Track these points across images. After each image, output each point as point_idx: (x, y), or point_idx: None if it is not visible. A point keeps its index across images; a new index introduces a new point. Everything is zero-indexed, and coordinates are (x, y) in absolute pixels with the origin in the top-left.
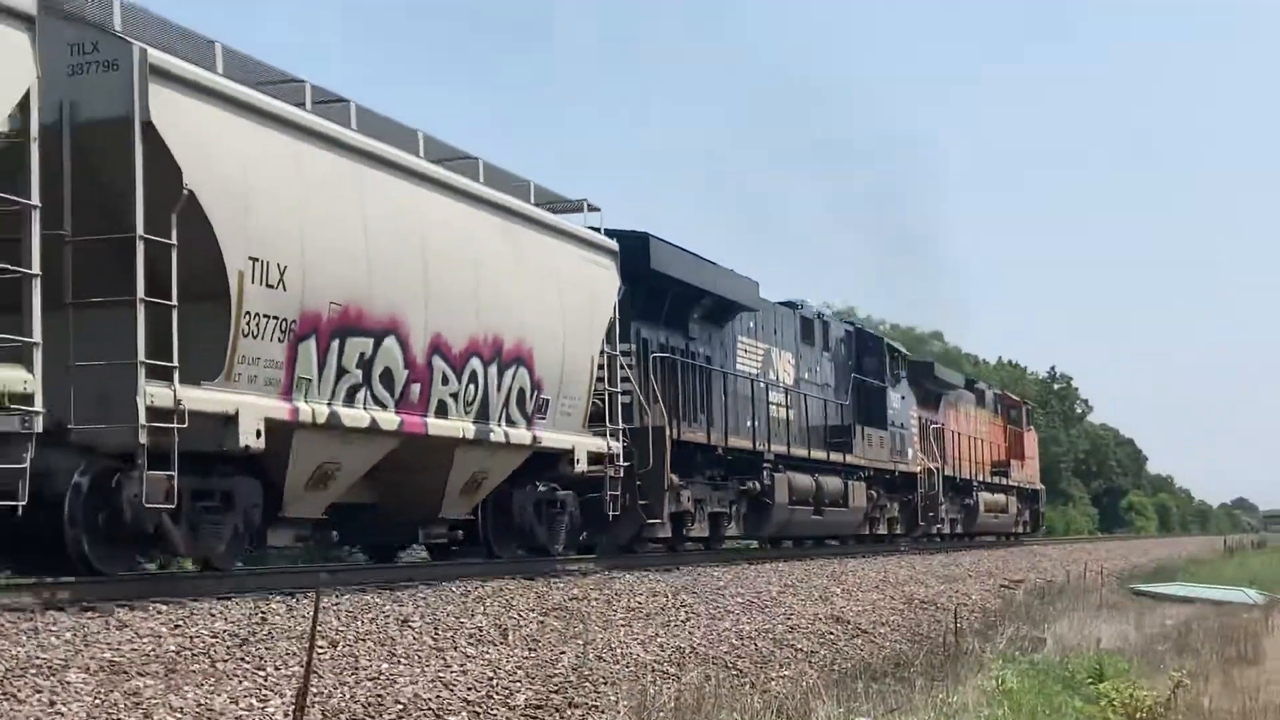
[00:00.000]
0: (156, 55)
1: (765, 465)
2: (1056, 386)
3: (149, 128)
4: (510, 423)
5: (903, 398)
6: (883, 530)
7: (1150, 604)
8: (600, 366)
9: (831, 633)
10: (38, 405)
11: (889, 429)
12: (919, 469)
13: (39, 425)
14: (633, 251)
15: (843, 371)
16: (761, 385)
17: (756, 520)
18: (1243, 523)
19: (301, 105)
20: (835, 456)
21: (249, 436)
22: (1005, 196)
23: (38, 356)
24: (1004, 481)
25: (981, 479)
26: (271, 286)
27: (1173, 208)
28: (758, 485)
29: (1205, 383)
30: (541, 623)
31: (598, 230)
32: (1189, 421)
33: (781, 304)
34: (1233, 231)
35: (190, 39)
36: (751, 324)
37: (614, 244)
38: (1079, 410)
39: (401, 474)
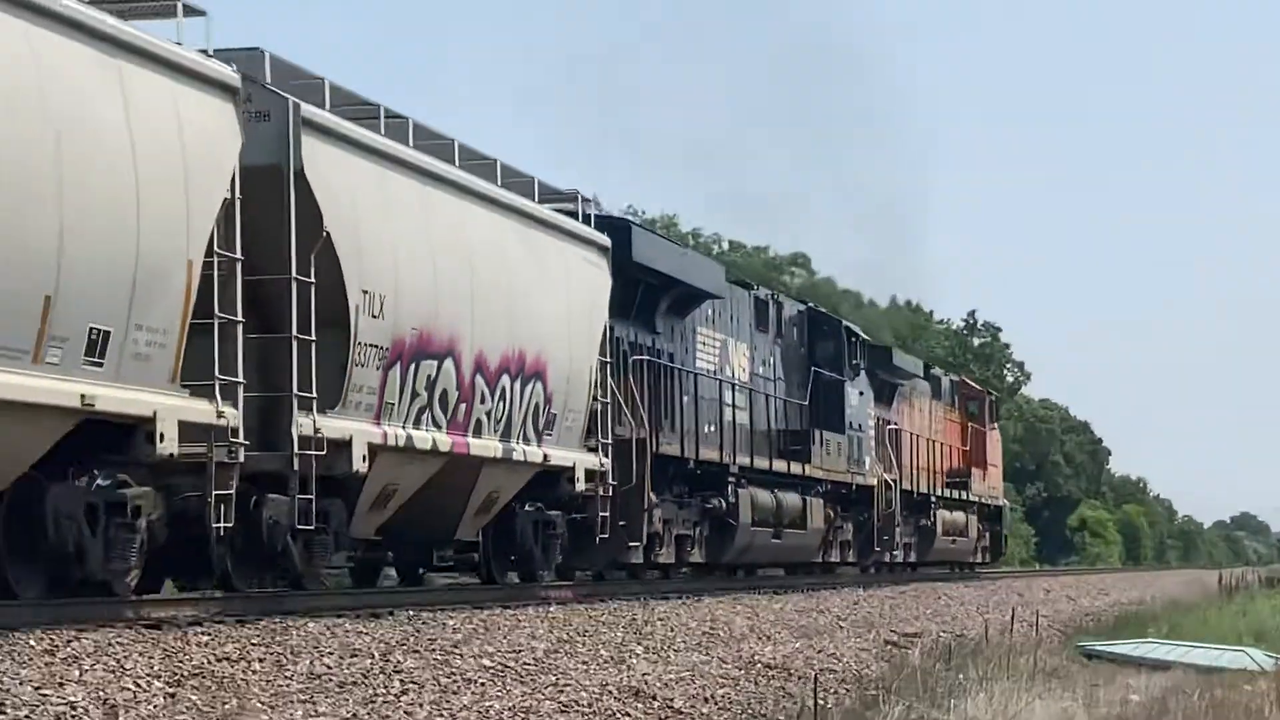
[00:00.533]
0: (307, 109)
1: (730, 480)
2: (977, 342)
3: (300, 176)
4: (526, 440)
5: (861, 393)
6: (836, 557)
7: (1108, 670)
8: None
9: (626, 716)
10: (240, 438)
11: (846, 433)
12: (874, 481)
13: (242, 456)
14: (613, 243)
15: (796, 363)
16: (721, 385)
17: (719, 543)
18: (1247, 550)
19: (376, 128)
20: (795, 468)
21: (359, 461)
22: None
23: (240, 394)
24: (963, 496)
25: (939, 493)
26: (375, 317)
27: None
28: (723, 504)
29: (1193, 362)
30: (171, 697)
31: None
32: (1170, 408)
33: (733, 282)
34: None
35: (300, 76)
36: (710, 312)
37: (607, 240)
38: (1010, 378)
39: (431, 494)
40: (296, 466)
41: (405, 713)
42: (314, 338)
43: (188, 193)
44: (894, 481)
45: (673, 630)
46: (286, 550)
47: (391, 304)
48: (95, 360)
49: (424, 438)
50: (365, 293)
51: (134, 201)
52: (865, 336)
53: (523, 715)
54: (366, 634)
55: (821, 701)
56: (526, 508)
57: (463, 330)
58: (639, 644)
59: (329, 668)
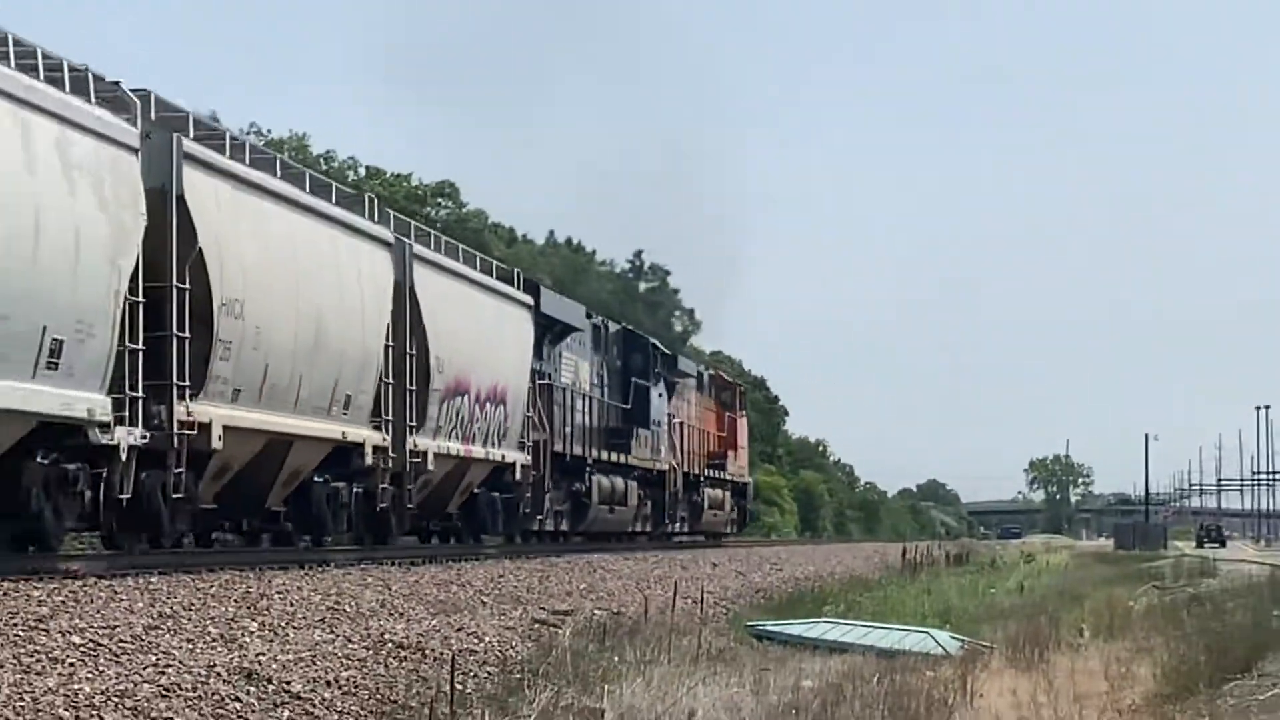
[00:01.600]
0: (419, 249)
1: (587, 469)
2: (644, 286)
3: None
4: (493, 445)
5: (660, 395)
6: (641, 528)
7: (780, 653)
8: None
9: (237, 701)
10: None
11: (651, 429)
12: (667, 467)
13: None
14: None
15: (617, 373)
16: (577, 395)
17: (578, 516)
18: (934, 521)
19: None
20: (619, 459)
21: (431, 463)
22: None
23: (391, 427)
24: (721, 475)
25: (704, 474)
26: (441, 373)
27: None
28: (583, 487)
29: (878, 322)
30: None
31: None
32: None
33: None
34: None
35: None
36: (569, 339)
37: (529, 299)
38: (679, 327)
39: (440, 483)
40: (407, 468)
41: None
42: (413, 387)
43: (378, 311)
44: (677, 466)
45: (292, 605)
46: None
47: (449, 365)
48: (345, 410)
49: (454, 447)
50: (439, 358)
51: (360, 321)
52: (664, 349)
53: (117, 699)
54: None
55: (460, 686)
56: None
57: (474, 373)
58: (253, 620)
59: None
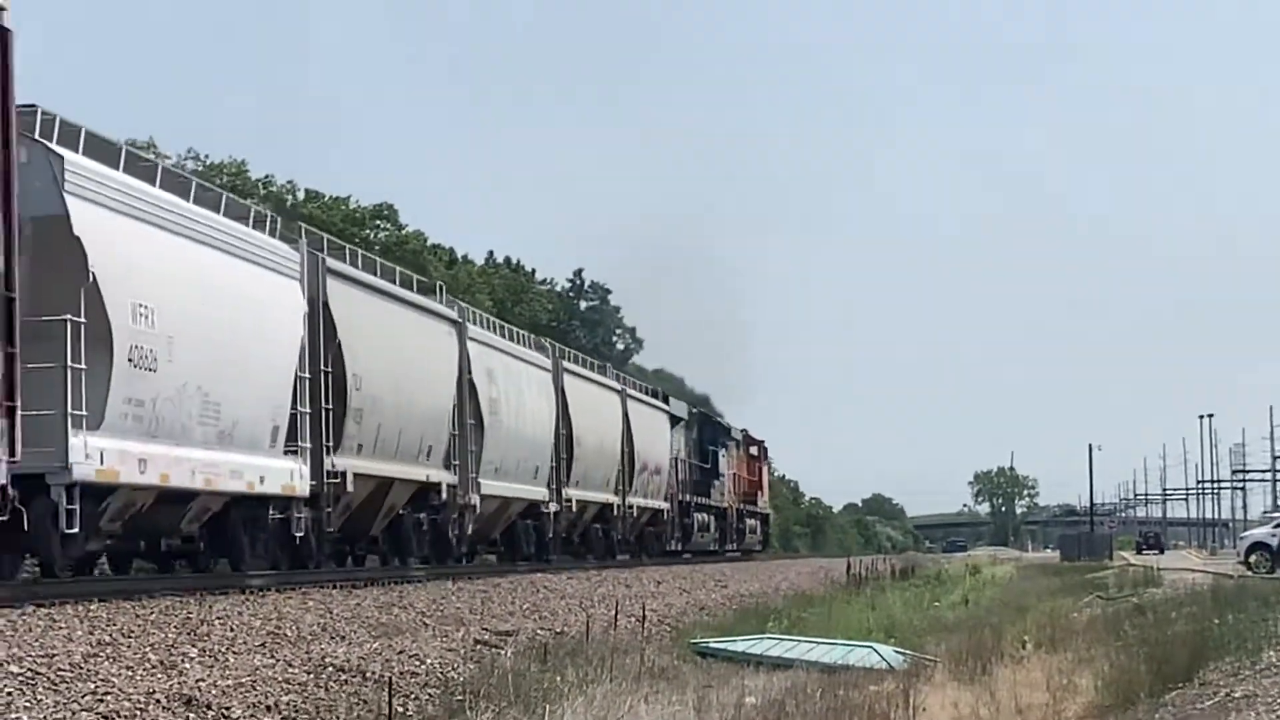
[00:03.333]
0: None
1: (691, 509)
2: (585, 305)
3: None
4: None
5: (722, 454)
6: (718, 548)
7: (723, 670)
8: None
9: None
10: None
11: (719, 478)
12: (727, 505)
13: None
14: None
15: (696, 442)
16: (685, 463)
17: (688, 540)
18: (880, 535)
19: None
20: (703, 500)
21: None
22: None
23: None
24: (754, 509)
25: (744, 507)
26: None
27: None
28: (690, 521)
29: (818, 337)
30: None
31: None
32: (795, 385)
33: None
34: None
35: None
36: (679, 426)
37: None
38: (620, 345)
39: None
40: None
41: None
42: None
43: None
44: (730, 504)
45: (233, 630)
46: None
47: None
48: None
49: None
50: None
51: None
52: (723, 422)
53: None
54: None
55: (401, 708)
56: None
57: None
58: (193, 646)
59: None
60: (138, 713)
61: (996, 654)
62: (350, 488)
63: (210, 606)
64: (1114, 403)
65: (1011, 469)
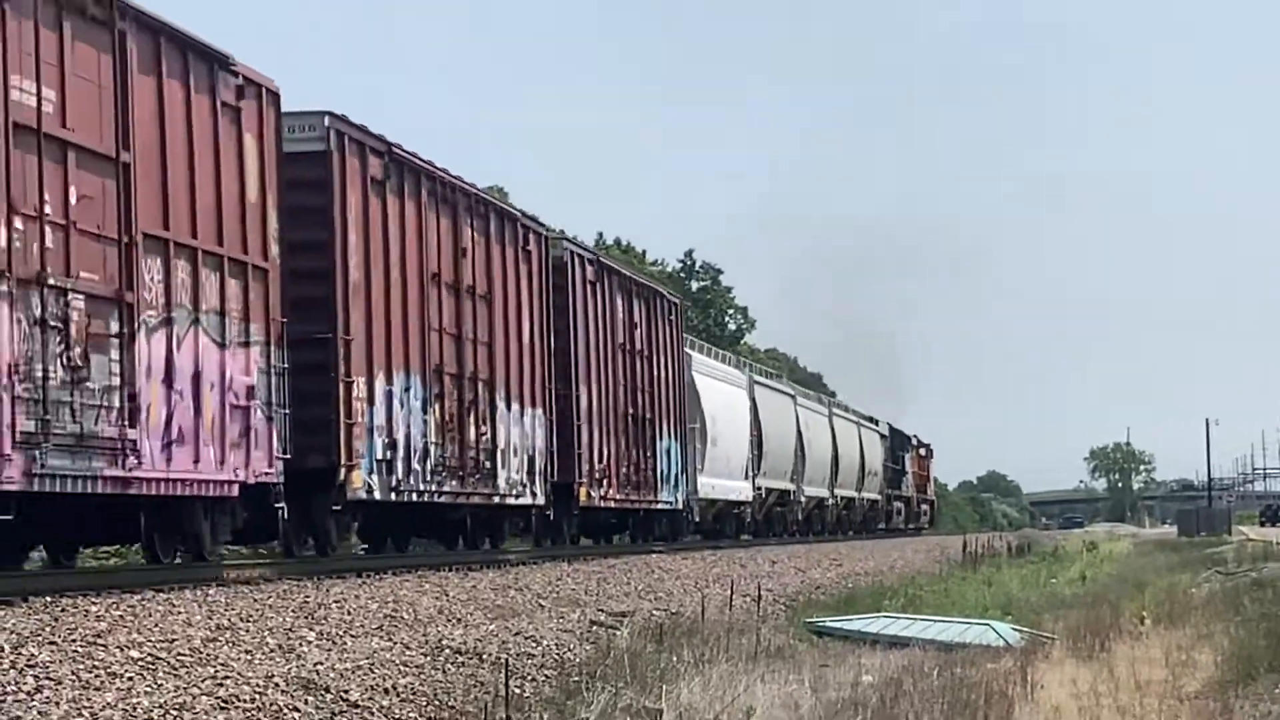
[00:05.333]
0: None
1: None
2: (696, 286)
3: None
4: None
5: (907, 456)
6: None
7: (839, 648)
8: None
9: (295, 711)
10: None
11: (905, 475)
12: (910, 494)
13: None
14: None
15: (889, 449)
16: (884, 466)
17: (890, 521)
18: (995, 513)
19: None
20: (895, 492)
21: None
22: None
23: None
24: (924, 496)
25: (916, 496)
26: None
27: None
28: (889, 508)
29: (927, 311)
30: None
31: None
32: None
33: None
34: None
35: None
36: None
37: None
38: (732, 325)
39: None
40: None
41: (39, 712)
42: None
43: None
44: (910, 495)
45: (350, 614)
46: None
47: None
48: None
49: None
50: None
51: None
52: (903, 432)
53: (175, 713)
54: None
55: (518, 689)
56: None
57: None
58: (311, 630)
59: None
60: (257, 696)
61: (1115, 630)
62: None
63: (327, 590)
64: (1232, 376)
65: (1128, 444)
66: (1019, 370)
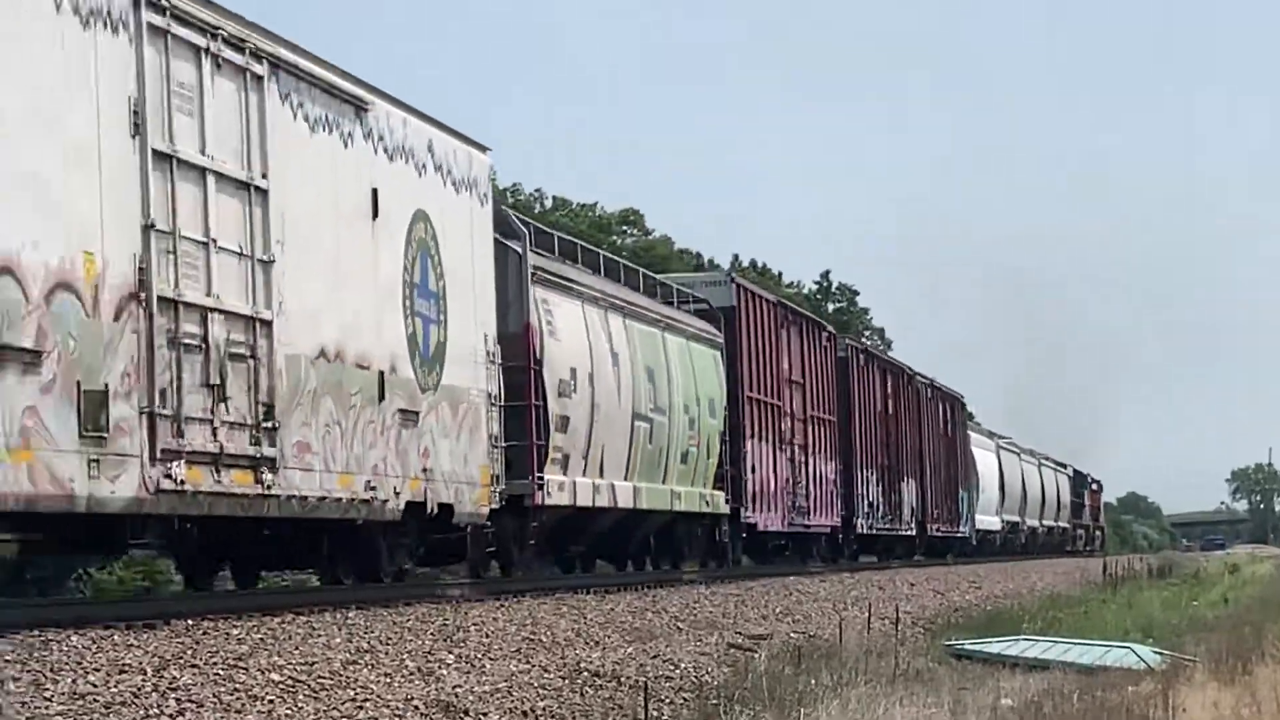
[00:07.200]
0: None
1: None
2: (833, 307)
3: None
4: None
5: (1086, 491)
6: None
7: (978, 671)
8: None
9: None
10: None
11: (1084, 508)
12: (1087, 523)
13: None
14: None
15: (1073, 488)
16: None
17: None
18: (1135, 535)
19: None
20: (1078, 520)
21: None
22: None
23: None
24: (1097, 524)
25: (1092, 523)
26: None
27: None
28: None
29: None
30: None
31: None
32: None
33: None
34: None
35: None
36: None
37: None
38: (867, 344)
39: None
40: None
41: None
42: None
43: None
44: (1089, 523)
45: (488, 636)
46: None
47: None
48: None
49: None
50: None
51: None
52: (1083, 471)
53: None
54: (139, 647)
55: (655, 712)
56: None
57: None
58: (450, 652)
59: (94, 686)
60: (396, 719)
61: (1258, 653)
62: None
63: (465, 613)
64: None
65: (1270, 465)
66: (1159, 390)
